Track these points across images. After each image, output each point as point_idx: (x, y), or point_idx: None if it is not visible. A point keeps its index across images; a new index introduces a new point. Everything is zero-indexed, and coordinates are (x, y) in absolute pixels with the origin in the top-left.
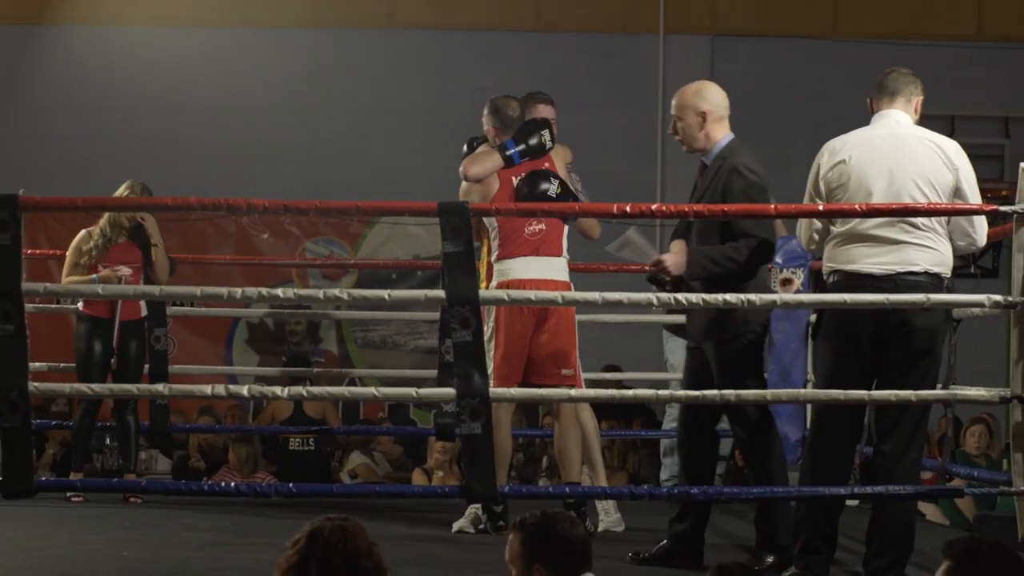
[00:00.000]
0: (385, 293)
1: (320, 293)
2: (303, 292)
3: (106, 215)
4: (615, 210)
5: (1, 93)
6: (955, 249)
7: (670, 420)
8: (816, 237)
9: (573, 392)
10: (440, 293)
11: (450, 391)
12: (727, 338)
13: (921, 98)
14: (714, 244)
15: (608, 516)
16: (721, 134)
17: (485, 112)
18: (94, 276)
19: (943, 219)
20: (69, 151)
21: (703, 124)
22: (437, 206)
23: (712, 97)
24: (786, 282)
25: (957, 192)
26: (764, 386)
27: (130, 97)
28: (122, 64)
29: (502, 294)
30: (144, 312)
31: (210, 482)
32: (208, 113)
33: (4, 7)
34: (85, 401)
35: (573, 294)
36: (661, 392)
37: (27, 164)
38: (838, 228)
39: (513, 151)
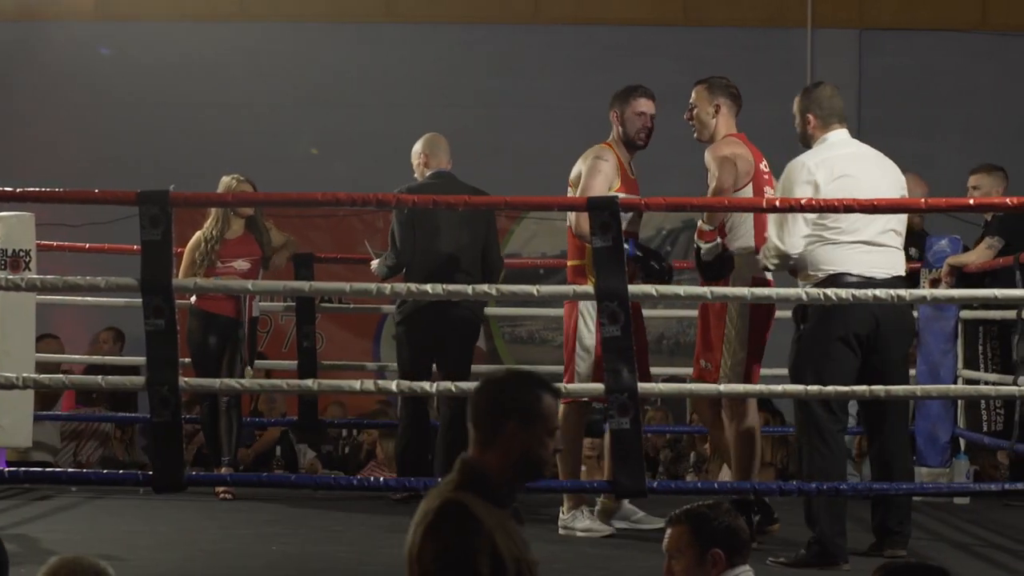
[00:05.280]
0: (534, 289)
1: (468, 289)
2: (451, 288)
3: (212, 213)
4: (764, 204)
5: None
6: None
7: None
8: (803, 242)
9: (722, 387)
10: (589, 288)
11: (598, 386)
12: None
13: None
14: None
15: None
16: None
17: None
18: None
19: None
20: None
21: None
22: (587, 201)
23: None
24: (935, 282)
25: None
26: None
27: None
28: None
29: (651, 290)
30: (256, 312)
31: (359, 477)
32: (356, 107)
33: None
34: (209, 397)
35: (722, 289)
36: (811, 387)
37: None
38: (839, 235)
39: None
